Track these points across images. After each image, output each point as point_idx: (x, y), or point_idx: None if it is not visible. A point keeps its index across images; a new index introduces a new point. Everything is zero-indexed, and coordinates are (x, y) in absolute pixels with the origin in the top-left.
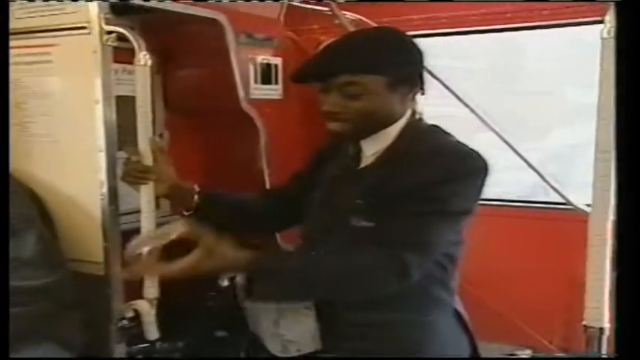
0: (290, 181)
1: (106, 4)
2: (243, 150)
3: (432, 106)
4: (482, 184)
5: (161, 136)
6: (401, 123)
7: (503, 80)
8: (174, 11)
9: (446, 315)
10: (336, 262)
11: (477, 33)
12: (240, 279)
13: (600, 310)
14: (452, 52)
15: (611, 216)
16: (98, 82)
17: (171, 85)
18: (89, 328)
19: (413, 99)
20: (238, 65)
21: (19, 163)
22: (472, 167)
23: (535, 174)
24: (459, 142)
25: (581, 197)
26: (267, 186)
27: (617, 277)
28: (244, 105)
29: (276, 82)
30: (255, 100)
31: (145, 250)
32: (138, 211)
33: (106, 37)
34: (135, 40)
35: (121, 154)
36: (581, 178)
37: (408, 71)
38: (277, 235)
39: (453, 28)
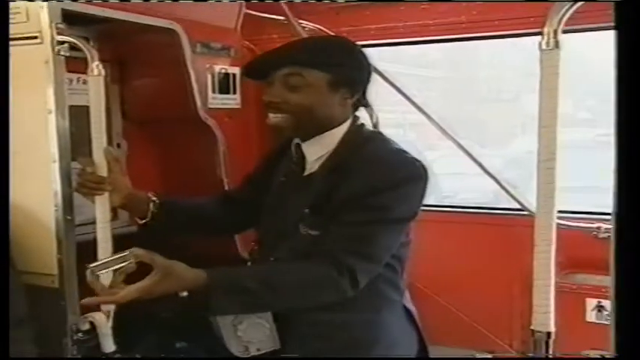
0: (242, 184)
1: (57, 15)
2: (202, 159)
3: (399, 113)
4: (423, 190)
5: (118, 145)
6: (342, 129)
7: (465, 88)
8: (129, 21)
9: (396, 312)
10: (287, 277)
11: (430, 43)
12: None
13: (547, 314)
14: (415, 61)
15: (555, 220)
16: (51, 92)
17: (129, 95)
18: (43, 342)
19: (355, 106)
20: (196, 75)
21: None
22: (412, 174)
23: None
24: (400, 149)
25: None
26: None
27: (616, 277)
28: (202, 114)
29: (235, 92)
30: (213, 110)
31: (104, 273)
32: (94, 222)
33: (58, 47)
34: (87, 51)
35: (76, 165)
36: None
37: (350, 74)
38: (237, 241)
39: (409, 37)
